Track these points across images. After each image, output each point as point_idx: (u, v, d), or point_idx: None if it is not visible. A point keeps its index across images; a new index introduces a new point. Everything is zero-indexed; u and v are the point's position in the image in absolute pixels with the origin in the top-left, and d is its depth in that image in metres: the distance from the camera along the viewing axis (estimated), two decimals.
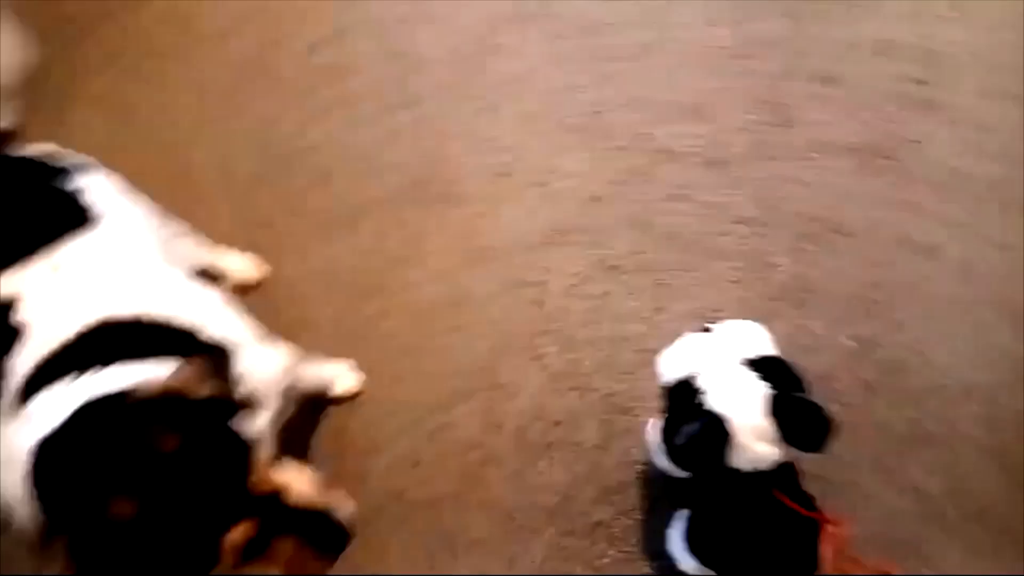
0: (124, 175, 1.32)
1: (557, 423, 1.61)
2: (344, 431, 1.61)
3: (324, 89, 2.09)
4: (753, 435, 1.14)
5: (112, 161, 1.32)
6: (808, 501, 1.20)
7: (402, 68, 2.12)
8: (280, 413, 1.21)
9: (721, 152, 1.94)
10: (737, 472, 1.16)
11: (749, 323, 1.27)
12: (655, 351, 1.30)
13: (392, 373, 1.68)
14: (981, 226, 1.80)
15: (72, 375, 0.98)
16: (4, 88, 1.27)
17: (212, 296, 1.23)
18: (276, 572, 0.93)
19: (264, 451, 0.94)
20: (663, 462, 1.34)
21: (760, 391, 1.16)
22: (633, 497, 1.52)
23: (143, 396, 0.90)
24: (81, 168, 1.25)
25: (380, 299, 1.78)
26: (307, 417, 1.58)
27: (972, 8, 2.12)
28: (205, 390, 0.91)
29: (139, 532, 0.83)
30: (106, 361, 0.99)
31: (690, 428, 1.16)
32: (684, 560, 1.31)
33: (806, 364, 1.24)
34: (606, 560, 1.47)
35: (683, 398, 1.20)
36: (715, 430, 1.14)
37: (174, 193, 1.57)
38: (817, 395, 1.20)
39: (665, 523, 1.38)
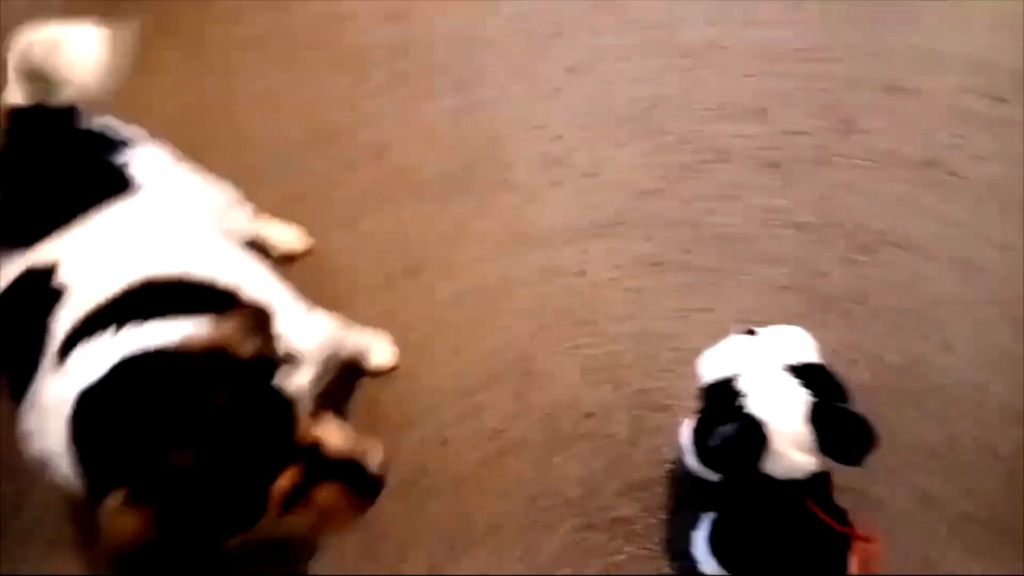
0: (179, 145, 1.35)
1: (588, 415, 1.60)
2: (376, 404, 1.63)
3: (384, 65, 2.10)
4: (790, 442, 1.12)
5: (169, 131, 1.35)
6: (841, 515, 1.17)
7: (464, 48, 2.12)
8: (319, 378, 1.22)
9: (777, 155, 1.90)
10: (770, 479, 1.14)
11: (795, 329, 1.25)
12: (694, 351, 1.28)
13: (427, 351, 1.68)
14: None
15: (112, 330, 1.00)
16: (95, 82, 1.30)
17: (255, 263, 1.24)
18: (312, 520, 0.95)
19: (304, 407, 0.96)
20: (693, 463, 1.32)
21: (801, 398, 1.13)
22: (659, 495, 1.50)
23: (189, 350, 0.91)
24: (132, 139, 1.29)
25: (421, 277, 1.78)
26: (342, 385, 1.60)
27: None
28: (248, 344, 0.92)
29: (198, 482, 0.85)
30: (146, 317, 1.01)
31: (725, 429, 1.13)
32: (706, 563, 1.29)
33: (848, 376, 1.21)
34: (623, 556, 1.46)
35: (721, 399, 1.18)
36: (752, 434, 1.12)
37: (226, 162, 1.59)
38: (859, 407, 1.17)
39: (690, 524, 1.36)
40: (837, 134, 1.93)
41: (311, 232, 1.82)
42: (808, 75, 2.02)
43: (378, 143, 1.98)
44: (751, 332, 1.25)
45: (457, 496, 1.53)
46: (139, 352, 0.95)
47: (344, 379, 1.59)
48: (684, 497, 1.48)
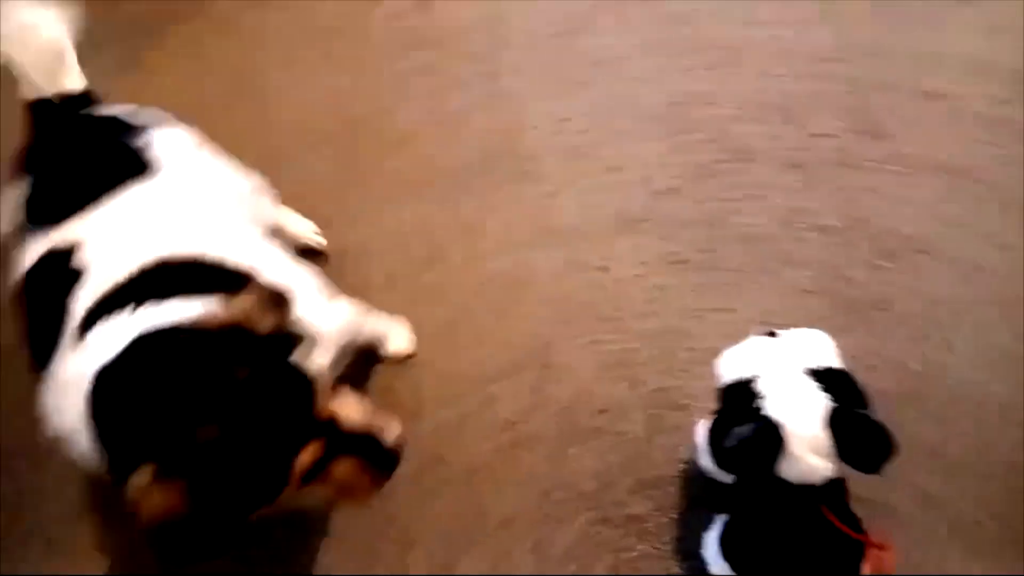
0: (204, 129, 1.35)
1: (603, 411, 1.59)
2: (391, 391, 1.63)
3: (411, 54, 2.10)
4: (807, 446, 1.11)
5: (195, 115, 1.36)
6: (855, 522, 1.16)
7: (490, 39, 2.11)
8: (337, 362, 1.23)
9: (804, 156, 1.88)
10: (784, 483, 1.13)
11: (816, 332, 1.24)
12: (713, 351, 1.27)
13: (446, 340, 1.68)
14: None
15: (130, 308, 1.01)
16: (56, 56, 1.32)
17: (274, 247, 1.25)
18: (330, 493, 0.97)
19: (323, 384, 0.97)
20: (708, 464, 1.32)
21: (820, 402, 1.12)
22: (672, 494, 1.50)
23: (207, 326, 0.92)
24: (155, 123, 1.30)
25: (442, 267, 1.79)
26: (358, 370, 1.60)
27: None
28: (267, 322, 0.93)
29: (225, 455, 0.86)
30: (164, 296, 1.02)
31: (742, 431, 1.13)
32: (716, 564, 1.28)
33: (869, 383, 1.20)
34: (634, 554, 1.46)
35: (739, 400, 1.17)
36: (768, 436, 1.11)
37: (251, 149, 1.60)
38: (879, 414, 1.15)
39: (702, 524, 1.36)
40: (864, 137, 1.90)
41: (334, 220, 1.82)
42: (838, 77, 1.99)
43: (403, 132, 1.98)
44: (772, 334, 1.25)
45: (470, 486, 1.53)
46: (155, 329, 0.96)
47: (360, 365, 1.60)
48: (697, 497, 1.48)
